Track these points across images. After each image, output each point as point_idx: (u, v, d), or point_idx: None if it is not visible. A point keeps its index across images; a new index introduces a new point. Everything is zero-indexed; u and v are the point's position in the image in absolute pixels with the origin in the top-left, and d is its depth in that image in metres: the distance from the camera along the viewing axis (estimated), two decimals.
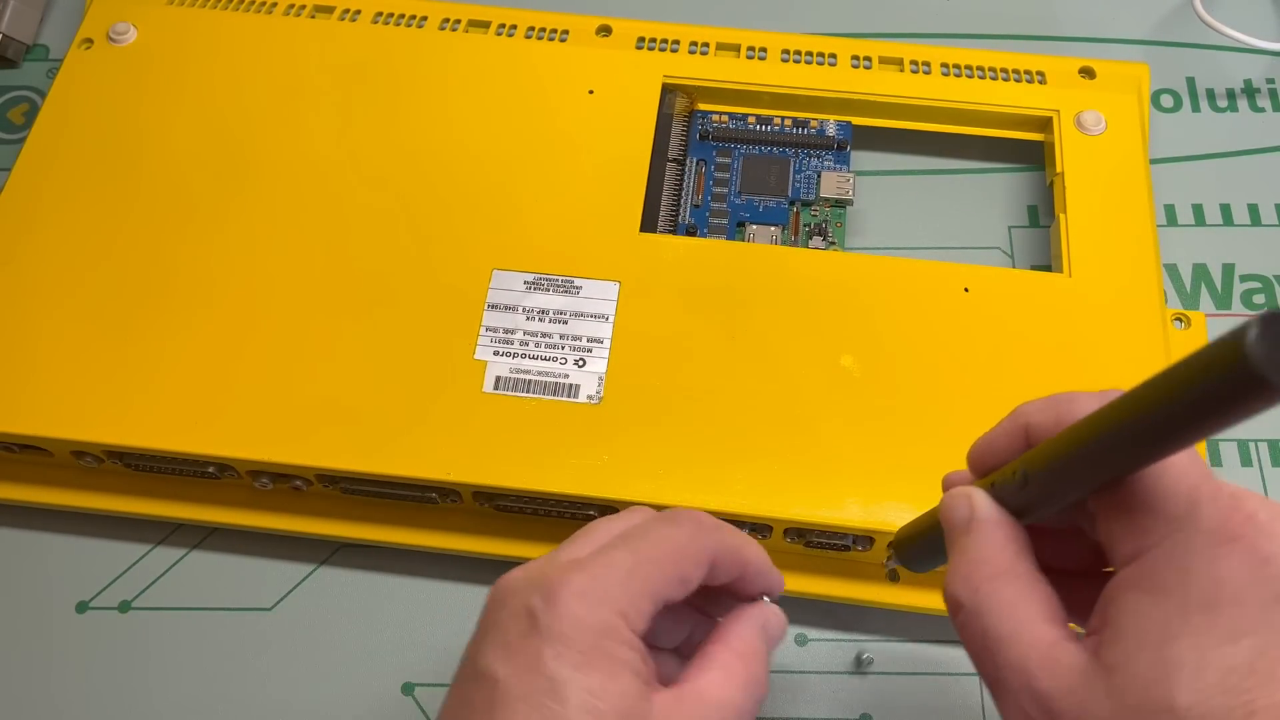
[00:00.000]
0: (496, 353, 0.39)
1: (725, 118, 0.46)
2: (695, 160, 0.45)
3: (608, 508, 0.37)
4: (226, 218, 0.42)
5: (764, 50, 0.46)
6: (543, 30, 0.46)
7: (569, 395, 0.38)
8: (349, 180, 0.42)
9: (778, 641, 0.29)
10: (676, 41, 0.46)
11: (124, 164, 0.43)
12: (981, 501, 0.26)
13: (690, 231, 0.43)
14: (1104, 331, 0.39)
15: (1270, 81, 0.50)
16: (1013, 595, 0.24)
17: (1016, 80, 0.45)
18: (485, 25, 0.47)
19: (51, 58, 0.51)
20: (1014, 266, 0.45)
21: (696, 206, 0.44)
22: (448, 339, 0.39)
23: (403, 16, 0.47)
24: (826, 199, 0.44)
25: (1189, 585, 0.22)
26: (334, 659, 0.39)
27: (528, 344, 0.39)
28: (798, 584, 0.38)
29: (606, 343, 0.39)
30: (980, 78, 0.45)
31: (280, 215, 0.42)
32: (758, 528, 0.37)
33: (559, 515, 0.38)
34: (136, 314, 0.40)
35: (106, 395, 0.38)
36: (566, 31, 0.46)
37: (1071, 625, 0.24)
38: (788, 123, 0.45)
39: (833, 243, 0.43)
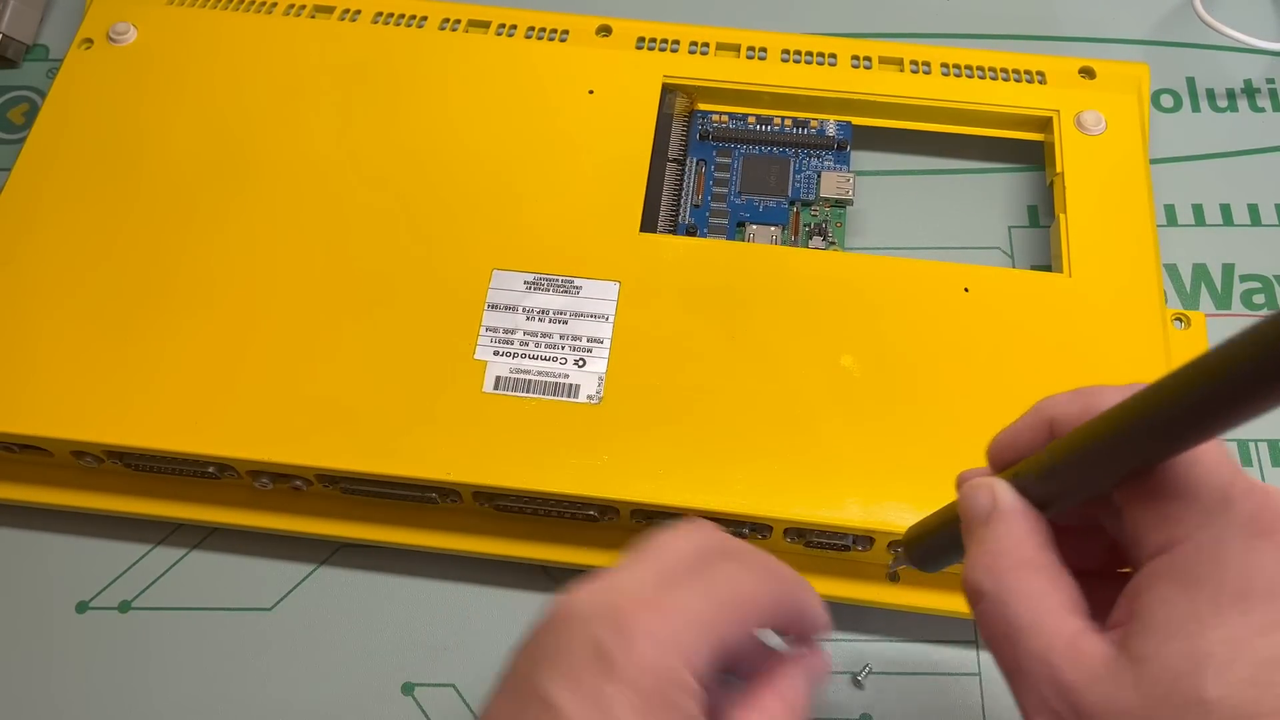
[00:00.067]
0: (496, 353, 0.39)
1: (725, 118, 0.46)
2: (695, 160, 0.45)
3: (608, 508, 0.37)
4: (226, 218, 0.42)
5: (764, 50, 0.46)
6: (543, 30, 0.46)
7: (569, 395, 0.38)
8: (349, 180, 0.42)
9: (820, 685, 0.29)
10: (676, 41, 0.46)
11: (124, 164, 0.43)
12: (1005, 491, 0.26)
13: (690, 231, 0.43)
14: (1104, 331, 0.39)
15: (1270, 81, 0.50)
16: (1037, 586, 0.24)
17: (1016, 80, 0.45)
18: (485, 25, 0.47)
19: (51, 58, 0.51)
20: (1014, 266, 0.45)
21: (696, 206, 0.44)
22: (448, 339, 0.39)
23: (403, 16, 0.47)
24: (826, 199, 0.44)
25: (1222, 577, 0.22)
26: (334, 659, 0.39)
27: (528, 344, 0.39)
28: None
29: (606, 343, 0.39)
30: (980, 78, 0.45)
31: (280, 215, 0.42)
32: (758, 528, 0.37)
33: (559, 515, 0.38)
34: (136, 314, 0.40)
35: (106, 395, 0.38)
36: (566, 31, 0.46)
37: None
38: (788, 123, 0.45)
39: (833, 243, 0.43)
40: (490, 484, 0.37)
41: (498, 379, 0.38)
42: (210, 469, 0.38)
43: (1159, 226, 0.46)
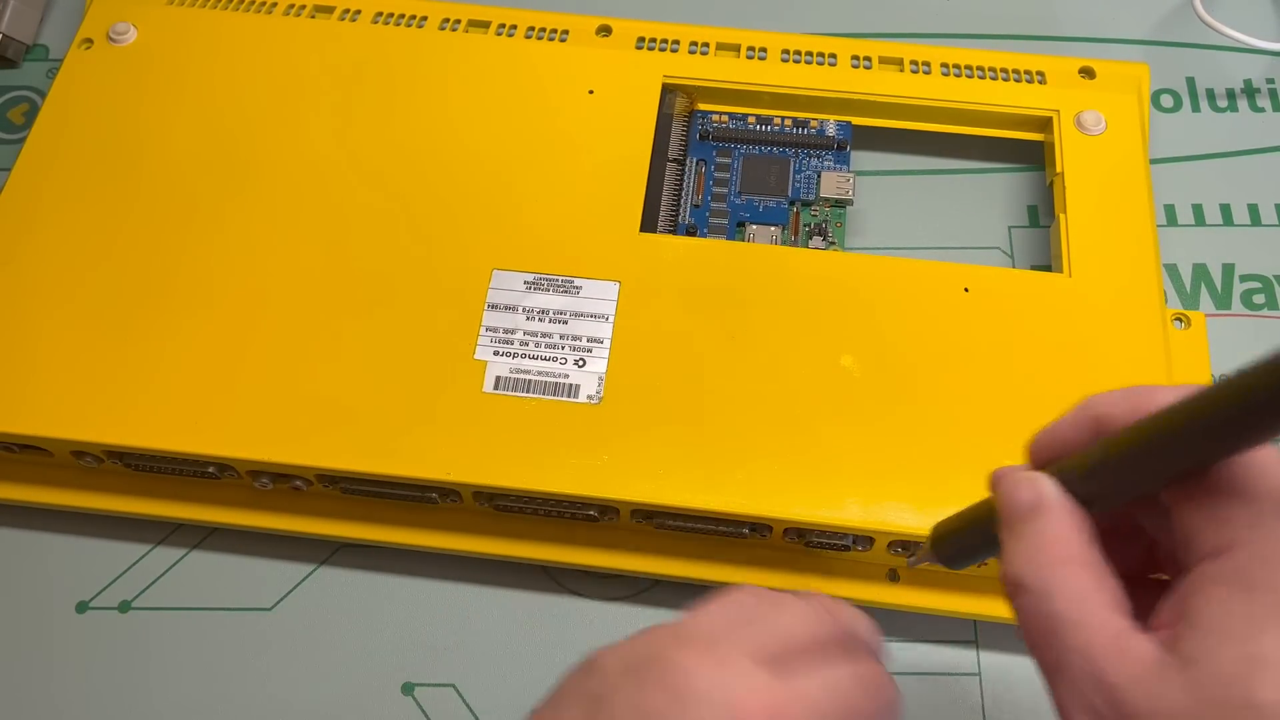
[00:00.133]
0: (496, 353, 0.39)
1: (725, 118, 0.46)
2: (695, 160, 0.45)
3: (608, 508, 0.37)
4: (226, 218, 0.42)
5: (764, 50, 0.46)
6: (543, 30, 0.46)
7: (569, 395, 0.38)
8: (349, 180, 0.42)
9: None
10: (676, 41, 0.46)
11: (123, 164, 0.43)
12: (1049, 486, 0.25)
13: (690, 231, 0.43)
14: (1104, 331, 0.39)
15: (1270, 81, 0.50)
16: (1082, 582, 0.24)
17: (1016, 80, 0.45)
18: (485, 25, 0.47)
19: (51, 58, 0.51)
20: (1014, 266, 0.45)
21: (696, 206, 0.44)
22: (448, 339, 0.39)
23: (403, 16, 0.47)
24: (826, 199, 0.44)
25: None
26: (334, 659, 0.39)
27: (528, 344, 0.39)
28: (798, 584, 0.38)
29: (606, 343, 0.39)
30: (980, 78, 0.45)
31: (280, 215, 0.42)
32: (757, 528, 0.37)
33: (559, 515, 0.38)
34: (136, 314, 0.40)
35: (106, 395, 0.38)
36: (566, 31, 0.46)
37: None
38: (788, 123, 0.45)
39: (833, 243, 0.43)
40: (490, 484, 0.37)
41: (498, 379, 0.38)
42: (210, 469, 0.38)
43: (1159, 226, 0.46)
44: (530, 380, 0.38)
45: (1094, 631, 0.23)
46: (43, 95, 0.49)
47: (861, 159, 0.47)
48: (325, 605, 0.40)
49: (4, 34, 0.50)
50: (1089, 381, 0.38)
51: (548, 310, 0.40)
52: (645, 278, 0.40)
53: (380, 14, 0.46)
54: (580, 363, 0.39)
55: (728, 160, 0.45)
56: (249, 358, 0.39)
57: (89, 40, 0.46)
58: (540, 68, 0.45)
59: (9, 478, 0.40)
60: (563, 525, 0.38)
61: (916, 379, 0.38)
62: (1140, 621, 0.23)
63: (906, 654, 0.39)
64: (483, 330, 0.39)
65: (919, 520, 0.36)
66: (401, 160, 0.43)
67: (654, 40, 0.46)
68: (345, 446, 0.37)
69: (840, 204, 0.44)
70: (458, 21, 0.47)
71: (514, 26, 0.46)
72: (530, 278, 0.40)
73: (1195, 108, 0.49)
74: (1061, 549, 0.24)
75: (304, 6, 0.47)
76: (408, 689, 0.38)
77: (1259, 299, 0.45)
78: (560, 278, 0.40)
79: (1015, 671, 0.38)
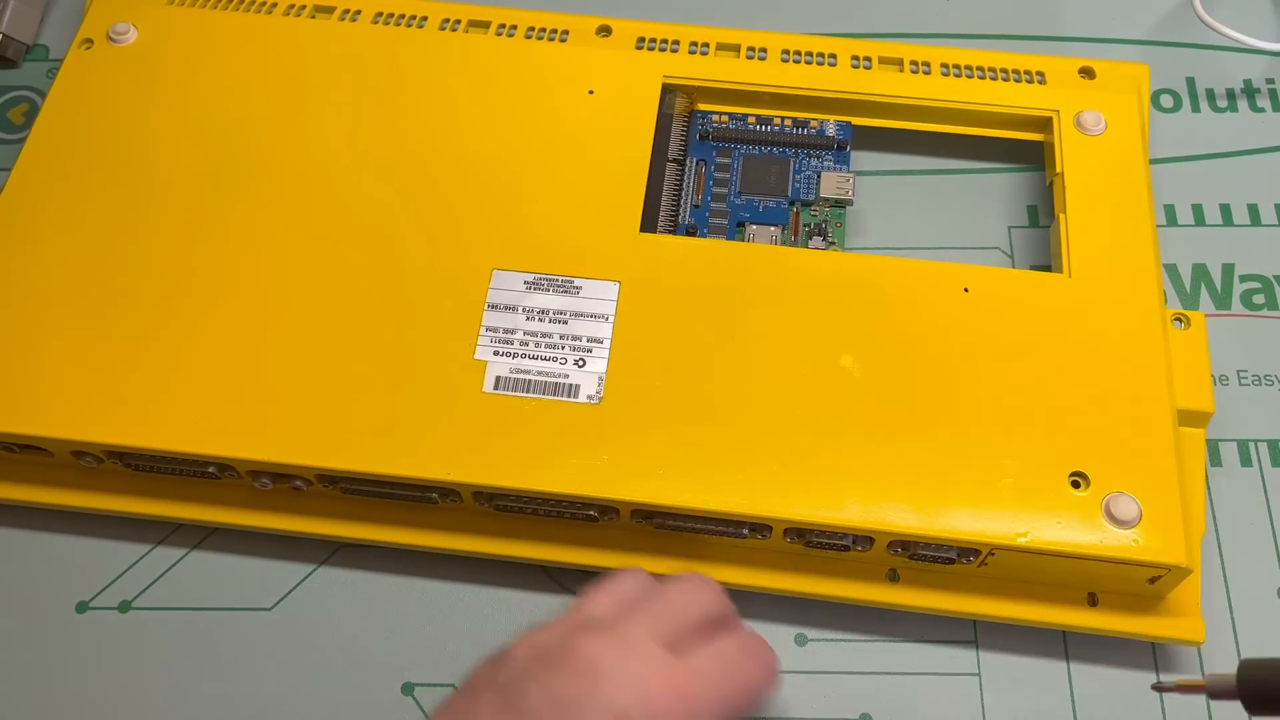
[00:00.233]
0: (496, 353, 0.39)
1: (725, 118, 0.46)
2: (695, 160, 0.45)
3: (608, 508, 0.37)
4: (226, 218, 0.42)
5: (764, 50, 0.46)
6: (543, 30, 0.46)
7: (569, 395, 0.38)
8: (348, 180, 0.42)
9: None
10: (676, 41, 0.46)
11: (122, 164, 0.43)
12: None
13: (690, 231, 0.43)
14: (1104, 331, 0.39)
15: (1270, 81, 0.50)
16: None
17: (1016, 80, 0.45)
18: (485, 25, 0.47)
19: (51, 58, 0.51)
20: (1014, 266, 0.45)
21: (696, 206, 0.44)
22: (448, 339, 0.39)
23: (403, 16, 0.47)
24: (826, 199, 0.44)
25: None
26: (334, 659, 0.39)
27: (528, 344, 0.39)
28: (798, 584, 0.38)
29: (606, 343, 0.39)
30: (980, 78, 0.45)
31: (279, 215, 0.42)
32: (757, 528, 0.37)
33: (559, 515, 0.38)
34: (136, 314, 0.40)
35: (106, 395, 0.38)
36: (566, 31, 0.46)
37: None
38: (788, 123, 0.45)
39: (833, 243, 0.43)
40: (490, 484, 0.37)
41: (498, 379, 0.38)
42: (210, 469, 0.38)
43: (1159, 226, 0.46)
44: (530, 380, 0.38)
45: None
46: (43, 95, 0.49)
47: (861, 159, 0.47)
48: (325, 605, 0.40)
49: (4, 34, 0.50)
50: (1089, 382, 0.38)
51: (548, 310, 0.40)
52: (645, 278, 0.40)
53: (380, 14, 0.46)
54: (580, 363, 0.39)
55: (728, 160, 0.45)
56: (249, 358, 0.39)
57: (89, 40, 0.46)
58: (540, 68, 0.45)
59: (9, 478, 0.40)
60: (563, 525, 0.38)
61: (916, 379, 0.38)
62: None
63: (906, 654, 0.39)
64: (483, 330, 0.39)
65: (919, 520, 0.36)
66: (401, 160, 0.43)
67: (654, 40, 0.46)
68: (345, 446, 0.37)
69: (840, 204, 0.44)
70: (458, 21, 0.47)
71: (514, 26, 0.46)
72: (530, 278, 0.40)
73: (1195, 108, 0.49)
74: None
75: (304, 7, 0.47)
76: (408, 689, 0.38)
77: (1259, 299, 0.45)
78: (560, 278, 0.40)
79: (1015, 671, 0.38)
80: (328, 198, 0.42)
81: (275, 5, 0.47)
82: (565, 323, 0.40)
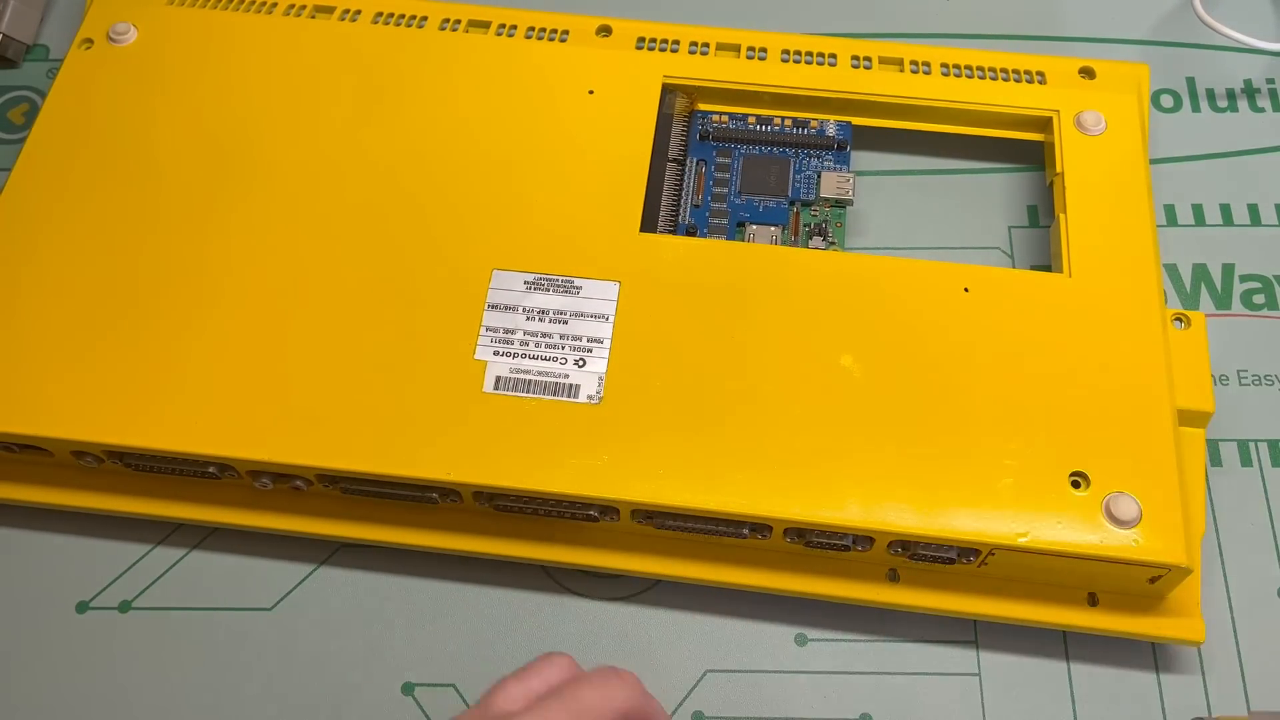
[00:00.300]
0: (496, 353, 0.39)
1: (725, 118, 0.46)
2: (695, 160, 0.45)
3: (608, 508, 0.37)
4: (225, 218, 0.42)
5: (764, 50, 0.46)
6: (543, 30, 0.46)
7: (569, 395, 0.38)
8: (348, 181, 0.42)
9: None
10: (676, 41, 0.46)
11: (123, 164, 0.43)
12: None
13: (690, 231, 0.43)
14: (1104, 331, 0.39)
15: (1270, 81, 0.50)
16: None
17: (1016, 80, 0.45)
18: (485, 25, 0.47)
19: (51, 58, 0.51)
20: (1014, 266, 0.45)
21: (696, 206, 0.44)
22: (448, 339, 0.39)
23: (403, 16, 0.47)
24: (826, 199, 0.44)
25: None
26: (334, 659, 0.39)
27: (528, 344, 0.39)
28: (798, 584, 0.38)
29: (606, 343, 0.39)
30: (980, 78, 0.45)
31: (279, 215, 0.42)
32: (757, 528, 0.37)
33: (559, 515, 0.38)
34: (136, 314, 0.40)
35: (106, 395, 0.38)
36: (566, 31, 0.46)
37: None
38: (788, 123, 0.45)
39: (833, 243, 0.43)
40: (490, 484, 0.37)
41: (498, 379, 0.38)
42: (210, 469, 0.38)
43: (1159, 226, 0.46)
44: (530, 380, 0.38)
45: None
46: (43, 95, 0.49)
47: (861, 159, 0.47)
48: (325, 605, 0.40)
49: (4, 34, 0.50)
50: (1089, 382, 0.38)
51: (548, 310, 0.40)
52: (645, 278, 0.40)
53: (380, 14, 0.46)
54: (580, 363, 0.39)
55: (728, 160, 0.45)
56: (249, 358, 0.39)
57: (89, 40, 0.46)
58: (540, 68, 0.45)
59: (9, 478, 0.40)
60: (563, 525, 0.38)
61: (917, 379, 0.38)
62: None
63: (906, 654, 0.39)
64: (483, 330, 0.39)
65: (919, 520, 0.36)
66: (402, 160, 0.43)
67: (654, 40, 0.46)
68: (345, 446, 0.37)
69: (840, 204, 0.44)
70: (458, 21, 0.47)
71: (514, 26, 0.46)
72: (530, 278, 0.40)
73: (1195, 108, 0.49)
74: None
75: (304, 7, 0.47)
76: (408, 689, 0.38)
77: (1259, 299, 0.45)
78: (560, 278, 0.40)
79: (1015, 671, 0.38)
80: (327, 198, 0.42)
81: (275, 5, 0.47)
82: (565, 323, 0.40)
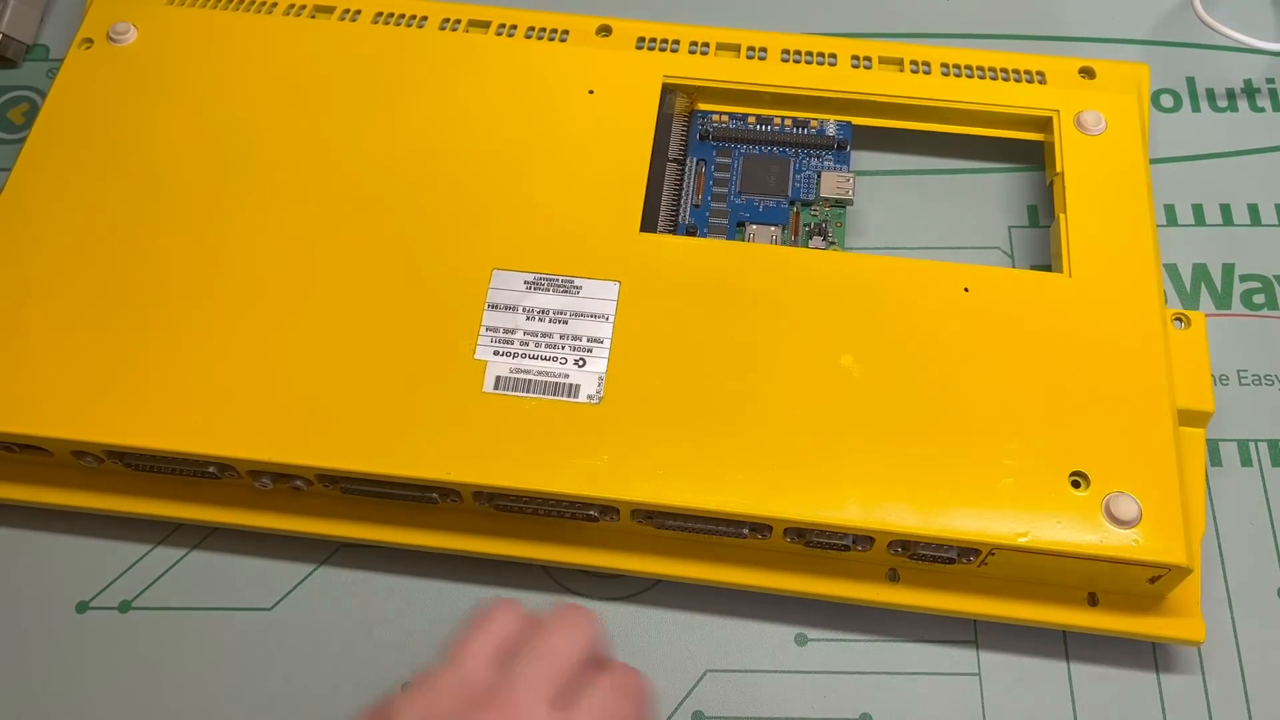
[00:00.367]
0: (496, 353, 0.39)
1: (725, 118, 0.46)
2: (695, 160, 0.45)
3: (608, 508, 0.37)
4: (226, 218, 0.42)
5: (764, 50, 0.46)
6: (543, 30, 0.46)
7: (569, 395, 0.38)
8: (348, 180, 0.42)
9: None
10: (676, 41, 0.46)
11: (123, 164, 0.43)
12: None
13: (690, 231, 0.43)
14: (1104, 331, 0.39)
15: (1270, 81, 0.50)
16: None
17: (1016, 80, 0.45)
18: (485, 25, 0.47)
19: (51, 58, 0.51)
20: (1014, 266, 0.45)
21: (696, 206, 0.44)
22: (448, 339, 0.39)
23: (403, 16, 0.47)
24: (826, 199, 0.44)
25: None
26: (334, 659, 0.39)
27: (528, 344, 0.39)
28: (798, 584, 0.38)
29: (606, 343, 0.39)
30: (980, 78, 0.45)
31: (279, 215, 0.42)
32: (757, 528, 0.37)
33: (559, 515, 0.38)
34: (136, 314, 0.40)
35: (106, 395, 0.38)
36: (566, 31, 0.46)
37: None
38: (788, 123, 0.45)
39: (833, 243, 0.43)
40: (490, 484, 0.37)
41: (498, 379, 0.38)
42: (210, 469, 0.38)
43: (1159, 226, 0.46)
44: (530, 380, 0.38)
45: None
46: (43, 95, 0.49)
47: (861, 159, 0.47)
48: (325, 605, 0.40)
49: (4, 34, 0.50)
50: (1089, 381, 0.38)
51: (548, 310, 0.40)
52: (645, 278, 0.40)
53: (380, 14, 0.47)
54: (580, 363, 0.39)
55: (728, 160, 0.45)
56: (249, 358, 0.39)
57: (89, 40, 0.46)
58: (540, 68, 0.45)
59: (9, 478, 0.40)
60: (563, 525, 0.38)
61: (917, 379, 0.38)
62: None
63: (906, 654, 0.39)
64: (483, 330, 0.39)
65: (919, 520, 0.36)
66: (401, 160, 0.43)
67: (654, 40, 0.46)
68: (345, 446, 0.37)
69: (840, 204, 0.44)
70: (458, 21, 0.47)
71: (514, 26, 0.46)
72: (530, 278, 0.40)
73: (1195, 108, 0.49)
74: None
75: (304, 7, 0.47)
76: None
77: (1259, 299, 0.45)
78: (560, 278, 0.40)
79: (1015, 671, 0.38)
80: (327, 198, 0.42)
81: (275, 5, 0.47)
82: (565, 322, 0.40)
